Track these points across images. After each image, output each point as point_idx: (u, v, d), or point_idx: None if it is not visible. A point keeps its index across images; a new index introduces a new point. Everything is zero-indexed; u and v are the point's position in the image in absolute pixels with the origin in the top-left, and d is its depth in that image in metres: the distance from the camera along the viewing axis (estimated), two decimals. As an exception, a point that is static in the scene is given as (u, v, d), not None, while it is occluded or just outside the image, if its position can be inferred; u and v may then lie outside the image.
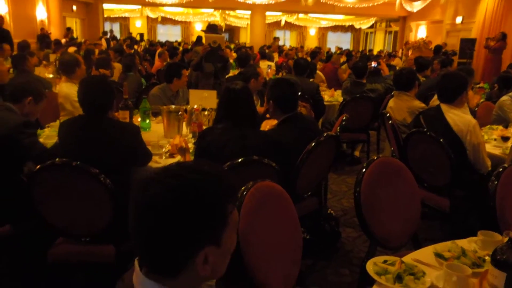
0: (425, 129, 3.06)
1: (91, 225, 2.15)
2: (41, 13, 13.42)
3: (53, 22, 14.04)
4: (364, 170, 2.13)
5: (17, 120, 2.43)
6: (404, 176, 2.24)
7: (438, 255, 1.65)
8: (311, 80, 5.63)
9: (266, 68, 7.53)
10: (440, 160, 2.91)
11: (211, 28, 6.13)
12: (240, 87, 2.48)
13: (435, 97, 4.00)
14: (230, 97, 2.44)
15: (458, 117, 3.00)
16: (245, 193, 1.67)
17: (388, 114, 3.71)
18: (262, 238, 1.68)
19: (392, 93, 4.31)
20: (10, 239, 2.35)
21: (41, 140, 2.94)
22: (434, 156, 2.97)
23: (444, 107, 3.08)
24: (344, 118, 3.49)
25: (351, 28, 25.24)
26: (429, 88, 5.09)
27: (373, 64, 5.88)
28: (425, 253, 1.70)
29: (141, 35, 19.22)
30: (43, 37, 11.88)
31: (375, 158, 2.21)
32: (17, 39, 9.76)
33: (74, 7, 16.49)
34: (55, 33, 13.54)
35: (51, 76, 6.11)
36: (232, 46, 14.92)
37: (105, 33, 17.09)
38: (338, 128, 3.35)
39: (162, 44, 14.24)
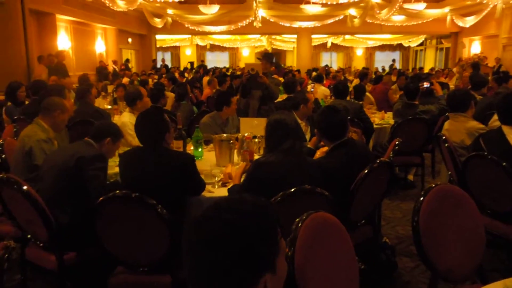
0: (485, 153, 2.91)
1: (149, 254, 2.21)
2: (100, 47, 14.36)
3: (111, 55, 14.96)
4: (422, 198, 2.05)
5: (91, 152, 2.60)
6: (465, 204, 2.13)
7: (509, 292, 1.54)
8: (360, 102, 5.57)
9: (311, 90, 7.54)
10: (504, 184, 2.75)
11: (267, 56, 6.36)
12: (289, 118, 2.49)
13: (494, 117, 3.81)
14: (278, 128, 2.46)
15: (521, 139, 2.84)
16: (300, 224, 1.66)
17: (444, 137, 3.57)
18: (318, 270, 1.65)
19: (447, 114, 4.16)
20: (74, 266, 2.46)
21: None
22: (497, 181, 2.81)
23: (506, 129, 2.93)
24: (396, 142, 3.40)
25: (399, 47, 24.78)
26: (486, 107, 4.85)
27: (426, 84, 5.71)
28: (494, 289, 1.59)
29: (192, 63, 19.97)
30: (101, 69, 12.66)
31: (434, 185, 2.12)
32: (79, 72, 10.49)
33: (130, 40, 17.48)
34: (112, 64, 14.39)
35: (109, 107, 6.45)
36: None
37: (154, 61, 17.94)
38: (391, 153, 3.26)
39: (207, 71, 14.65)
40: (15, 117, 4.80)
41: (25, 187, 2.30)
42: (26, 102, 5.50)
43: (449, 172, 3.58)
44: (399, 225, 4.06)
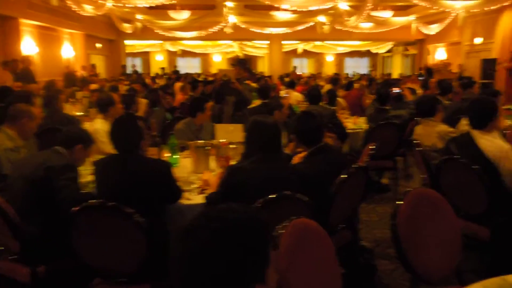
0: (457, 156, 3.00)
1: (127, 264, 2.15)
2: (67, 52, 13.97)
3: (79, 60, 14.57)
4: (400, 202, 2.08)
5: (60, 162, 2.49)
6: (442, 207, 2.18)
7: (488, 293, 1.57)
8: (333, 107, 5.65)
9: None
10: (476, 187, 2.84)
11: (240, 62, 6.33)
12: (271, 121, 2.49)
13: (462, 121, 3.94)
14: (261, 131, 2.44)
15: (490, 143, 2.94)
16: (282, 231, 1.65)
17: (416, 141, 3.66)
18: (301, 276, 1.65)
19: (416, 119, 4.28)
20: (49, 279, 2.36)
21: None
22: (469, 183, 2.90)
23: (475, 133, 3.03)
24: (371, 147, 3.46)
25: (368, 53, 25.35)
26: (455, 111, 5.01)
27: (396, 90, 5.87)
28: (474, 291, 1.62)
29: (163, 69, 19.74)
30: (69, 75, 12.30)
31: (411, 189, 2.16)
32: (45, 78, 10.16)
33: (98, 45, 17.11)
34: (80, 70, 14.03)
35: (78, 113, 6.27)
36: (251, 75, 15.09)
37: (124, 67, 17.65)
38: (367, 157, 3.31)
39: (178, 76, 14.55)
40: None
41: (-7, 198, 2.20)
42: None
43: (422, 176, 3.67)
44: (376, 228, 4.11)
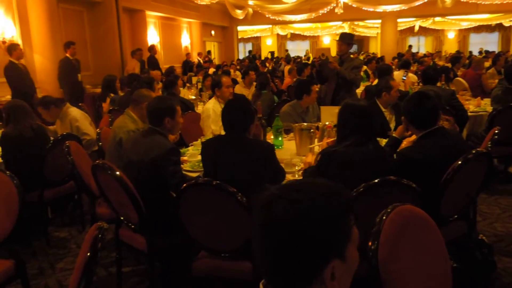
0: None
1: (229, 241, 2.25)
2: (185, 40, 15.00)
3: (195, 47, 15.56)
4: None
5: (167, 145, 2.67)
6: None
7: None
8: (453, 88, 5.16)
9: (400, 78, 7.13)
10: None
11: (344, 36, 5.62)
12: (362, 104, 2.37)
13: None
14: (351, 114, 2.34)
15: None
16: (384, 217, 1.57)
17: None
18: (405, 268, 1.55)
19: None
20: (162, 249, 2.61)
21: (185, 158, 3.22)
22: None
23: None
24: (496, 131, 3.10)
25: (498, 27, 22.53)
26: None
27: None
28: None
29: (272, 53, 20.06)
30: (187, 62, 13.24)
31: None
32: (166, 65, 11.07)
33: (213, 32, 18.04)
34: (196, 57, 14.99)
35: (193, 97, 6.71)
36: (362, 57, 14.55)
37: (250, 52, 18.53)
38: (489, 143, 2.97)
39: (288, 60, 14.73)
40: (110, 108, 5.19)
41: (117, 173, 2.46)
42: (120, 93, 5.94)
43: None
44: (497, 222, 3.71)
